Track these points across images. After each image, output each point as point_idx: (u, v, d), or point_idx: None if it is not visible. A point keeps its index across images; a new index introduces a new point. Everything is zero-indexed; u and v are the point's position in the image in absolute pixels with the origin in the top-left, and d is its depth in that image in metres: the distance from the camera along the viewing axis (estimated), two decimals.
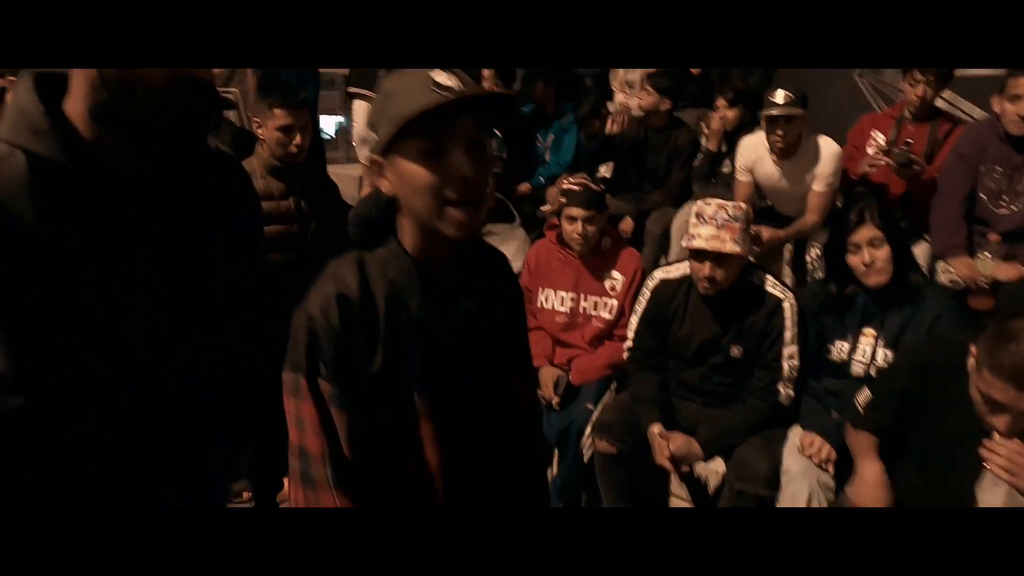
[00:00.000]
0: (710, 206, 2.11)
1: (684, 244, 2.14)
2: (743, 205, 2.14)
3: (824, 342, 2.16)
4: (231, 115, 2.98)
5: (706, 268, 2.11)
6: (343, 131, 9.80)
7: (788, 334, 2.14)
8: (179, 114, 0.82)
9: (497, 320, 1.06)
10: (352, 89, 4.05)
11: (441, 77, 0.89)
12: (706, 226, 2.09)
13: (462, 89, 0.89)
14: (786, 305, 2.15)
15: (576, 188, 2.49)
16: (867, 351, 2.08)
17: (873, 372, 2.05)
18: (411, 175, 0.90)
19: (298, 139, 2.28)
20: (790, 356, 2.14)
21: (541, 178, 4.08)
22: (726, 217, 2.09)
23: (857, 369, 2.09)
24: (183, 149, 0.88)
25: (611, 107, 4.79)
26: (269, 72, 2.92)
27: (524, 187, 4.00)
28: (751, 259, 2.26)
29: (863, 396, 1.84)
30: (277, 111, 2.25)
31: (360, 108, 4.09)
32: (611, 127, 3.98)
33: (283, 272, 2.34)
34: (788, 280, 3.08)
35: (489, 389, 1.03)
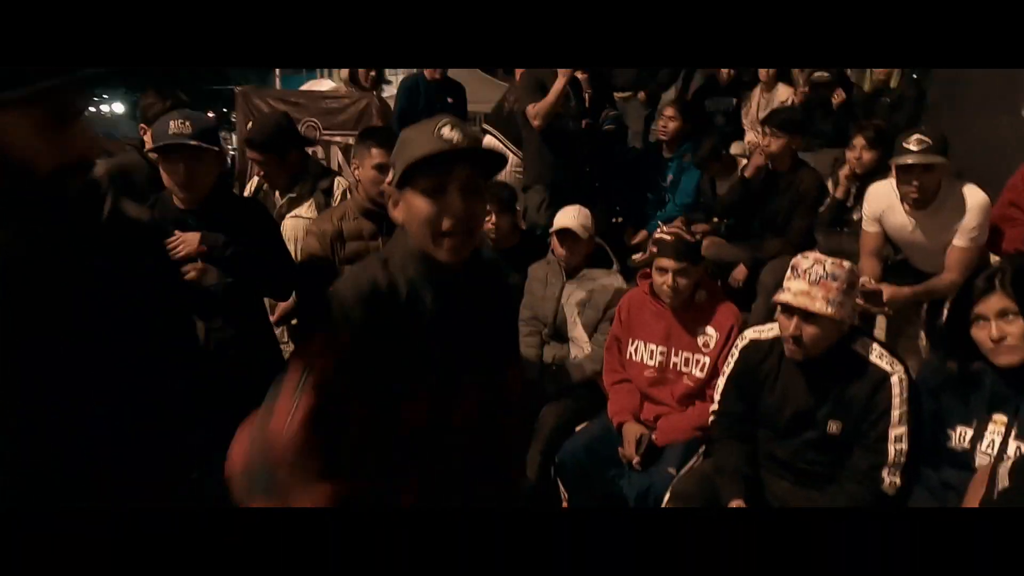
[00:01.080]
0: (807, 259, 1.92)
1: (774, 298, 1.96)
2: (846, 264, 1.92)
3: (943, 426, 1.87)
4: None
5: (791, 326, 1.91)
6: None
7: (896, 413, 1.87)
8: (70, 199, 0.86)
9: (496, 315, 1.31)
10: (485, 126, 4.21)
11: (446, 130, 1.13)
12: (798, 280, 1.91)
13: (460, 142, 1.12)
14: (894, 379, 1.88)
15: (668, 238, 2.37)
16: (995, 441, 1.76)
17: (1001, 467, 1.73)
18: (415, 207, 1.15)
19: (390, 176, 2.39)
20: (898, 438, 1.87)
21: (659, 222, 3.95)
22: (821, 273, 1.89)
23: (982, 461, 1.77)
24: (79, 227, 0.92)
25: (738, 147, 4.56)
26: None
27: (639, 235, 3.89)
28: (854, 323, 2.02)
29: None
30: (375, 150, 2.39)
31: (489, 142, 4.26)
32: (749, 170, 3.75)
33: None
34: (923, 346, 2.72)
35: (485, 374, 1.26)
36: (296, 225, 2.72)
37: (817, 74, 4.28)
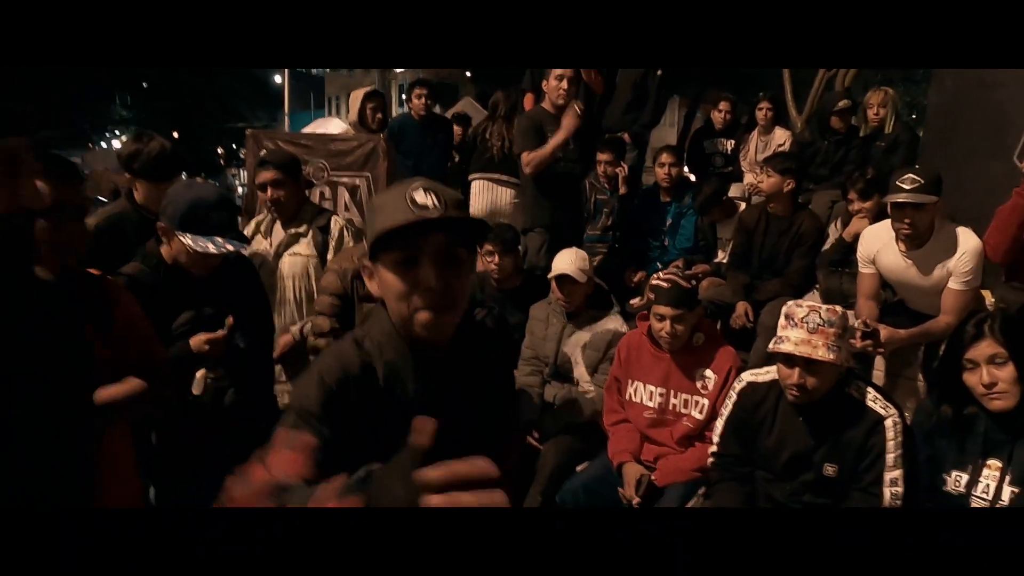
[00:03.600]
0: (801, 308, 1.96)
1: (771, 348, 1.99)
2: (839, 309, 1.96)
3: (939, 470, 1.88)
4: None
5: (795, 375, 1.94)
6: None
7: (890, 456, 1.89)
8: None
9: (487, 389, 1.17)
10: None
11: (419, 196, 0.99)
12: (796, 329, 1.94)
13: (434, 208, 0.99)
14: (888, 423, 1.91)
15: (664, 285, 2.42)
16: (990, 487, 1.78)
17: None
18: (388, 282, 1.03)
19: None
20: (893, 481, 1.89)
21: (659, 264, 4.02)
22: (819, 321, 1.93)
23: (978, 505, 1.79)
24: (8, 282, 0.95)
25: (737, 190, 4.65)
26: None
27: (639, 275, 3.95)
28: (850, 367, 2.05)
29: None
30: None
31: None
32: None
33: None
34: (921, 387, 2.74)
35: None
36: (294, 263, 2.77)
37: (842, 103, 4.37)
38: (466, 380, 1.12)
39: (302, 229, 2.80)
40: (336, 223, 2.82)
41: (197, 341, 1.92)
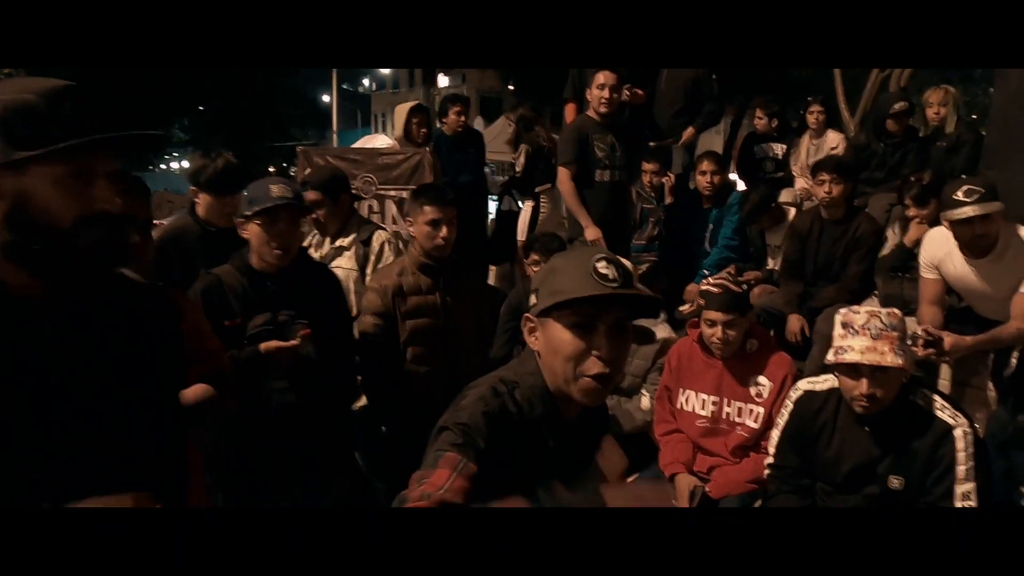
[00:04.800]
0: (859, 315, 1.89)
1: (832, 359, 1.90)
2: (898, 312, 1.88)
3: (1015, 483, 1.78)
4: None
5: (863, 385, 1.85)
6: None
7: (961, 468, 1.80)
8: (88, 249, 0.92)
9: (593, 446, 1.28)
10: None
11: (601, 266, 1.06)
12: (858, 337, 1.86)
13: (615, 279, 1.05)
14: (958, 433, 1.82)
15: (715, 290, 2.37)
16: None
17: None
18: (559, 341, 1.07)
19: (444, 231, 2.47)
20: (965, 495, 1.79)
21: (704, 271, 3.94)
22: (881, 326, 1.85)
23: None
24: (94, 282, 0.98)
25: (788, 195, 4.53)
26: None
27: (690, 288, 3.87)
28: (914, 374, 1.96)
29: None
30: (427, 208, 2.48)
31: None
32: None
33: (424, 362, 2.52)
34: (991, 397, 2.61)
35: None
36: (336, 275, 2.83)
37: (898, 104, 4.21)
38: (587, 447, 1.21)
39: (346, 243, 2.86)
40: (379, 237, 2.86)
41: (268, 347, 1.97)
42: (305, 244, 3.07)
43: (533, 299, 1.14)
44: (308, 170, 3.64)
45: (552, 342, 1.08)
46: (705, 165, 4.02)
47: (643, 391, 2.82)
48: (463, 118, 4.71)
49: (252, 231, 2.05)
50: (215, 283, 2.03)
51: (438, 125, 4.86)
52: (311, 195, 2.81)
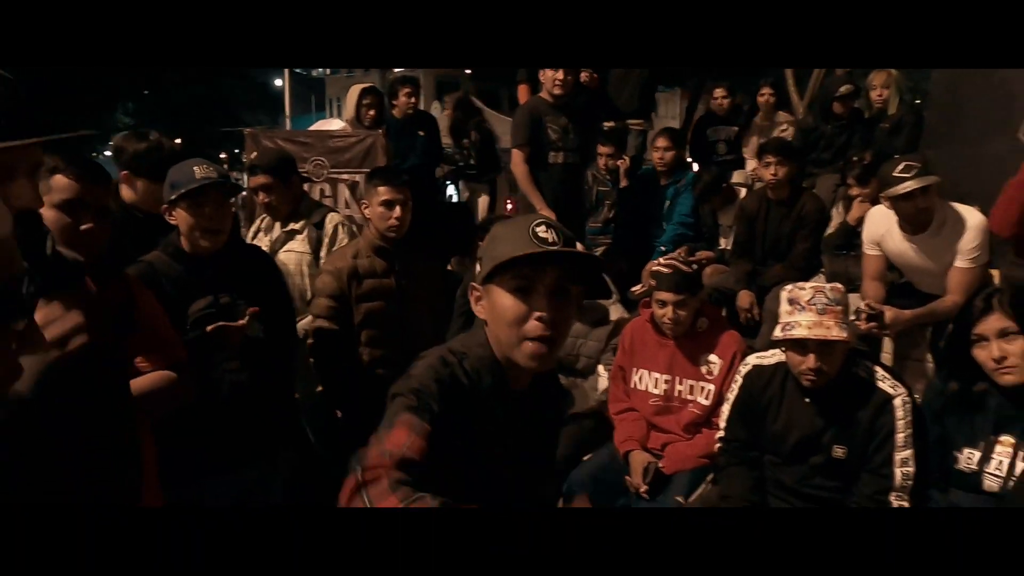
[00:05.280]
0: (805, 291, 1.93)
1: (779, 335, 1.95)
2: (841, 287, 1.93)
3: (950, 448, 1.85)
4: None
5: (811, 360, 1.89)
6: None
7: (900, 436, 1.86)
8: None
9: (552, 431, 1.32)
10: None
11: (541, 230, 1.07)
12: (805, 313, 1.90)
13: (555, 243, 1.06)
14: (897, 402, 1.88)
15: (665, 270, 2.39)
16: (1003, 463, 1.75)
17: (1011, 488, 1.71)
18: (501, 306, 1.08)
19: (398, 212, 2.44)
20: (903, 461, 1.86)
21: (661, 247, 3.98)
22: (826, 301, 1.89)
23: (991, 484, 1.76)
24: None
25: (740, 176, 4.61)
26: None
27: (648, 268, 3.91)
28: (856, 347, 2.02)
29: None
30: (381, 188, 2.44)
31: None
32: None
33: (379, 345, 2.49)
34: (929, 369, 2.70)
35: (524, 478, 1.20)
36: (288, 260, 2.75)
37: (844, 87, 4.30)
38: (540, 420, 1.21)
39: (298, 226, 2.79)
40: (332, 220, 2.81)
41: (215, 328, 1.92)
42: (255, 228, 3.00)
43: (478, 268, 1.14)
44: (255, 153, 3.55)
45: (496, 308, 1.09)
46: (660, 141, 4.06)
47: (599, 371, 2.84)
48: (413, 100, 4.58)
49: (179, 216, 1.97)
50: (147, 270, 1.94)
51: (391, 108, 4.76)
52: (260, 178, 2.73)
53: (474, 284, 1.14)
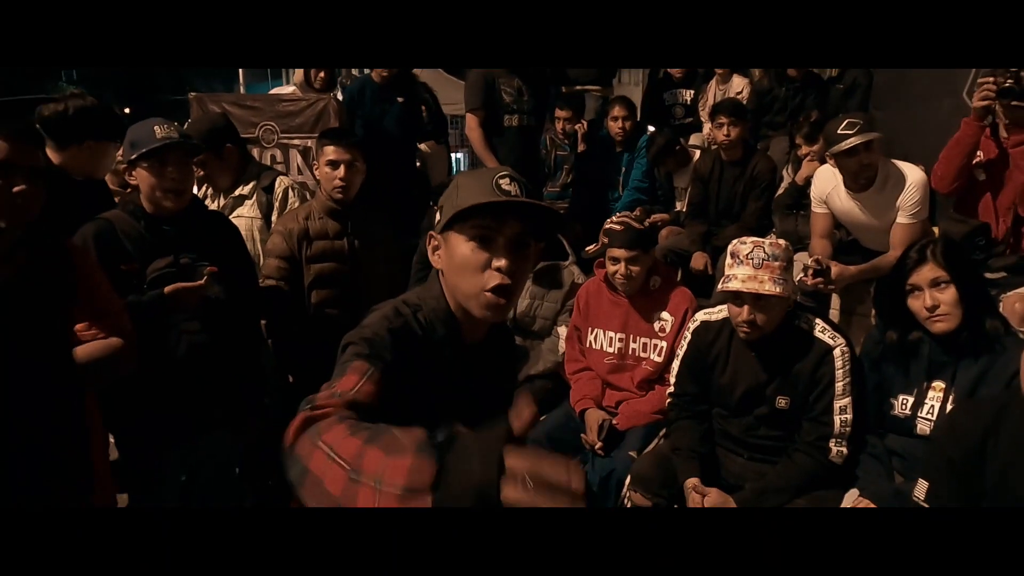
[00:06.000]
0: (746, 245, 1.96)
1: (719, 287, 2.00)
2: (782, 242, 1.97)
3: (886, 395, 1.93)
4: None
5: (744, 312, 1.95)
6: None
7: (839, 385, 1.93)
8: None
9: (508, 385, 1.29)
10: None
11: (504, 182, 1.06)
12: (742, 266, 1.95)
13: (517, 195, 1.05)
14: (837, 352, 1.94)
15: (618, 228, 2.41)
16: (935, 407, 1.82)
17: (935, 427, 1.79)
18: (460, 255, 1.07)
19: (342, 172, 2.40)
20: (842, 409, 1.92)
21: (617, 214, 4.00)
22: (763, 256, 1.93)
23: (923, 427, 1.84)
24: None
25: (697, 139, 4.63)
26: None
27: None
28: (799, 301, 2.07)
29: (920, 489, 1.53)
30: (327, 148, 2.40)
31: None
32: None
33: (332, 305, 2.47)
34: (874, 323, 2.79)
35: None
36: (239, 225, 2.69)
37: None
38: (493, 375, 1.20)
39: (247, 190, 2.73)
40: (281, 183, 2.75)
41: (173, 288, 1.89)
42: (200, 195, 2.91)
43: (437, 216, 1.13)
44: (186, 124, 3.42)
45: (454, 257, 1.07)
46: (617, 111, 4.04)
47: (556, 332, 2.86)
48: None
49: (140, 176, 1.95)
50: (107, 227, 1.92)
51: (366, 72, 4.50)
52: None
53: (432, 233, 1.13)
